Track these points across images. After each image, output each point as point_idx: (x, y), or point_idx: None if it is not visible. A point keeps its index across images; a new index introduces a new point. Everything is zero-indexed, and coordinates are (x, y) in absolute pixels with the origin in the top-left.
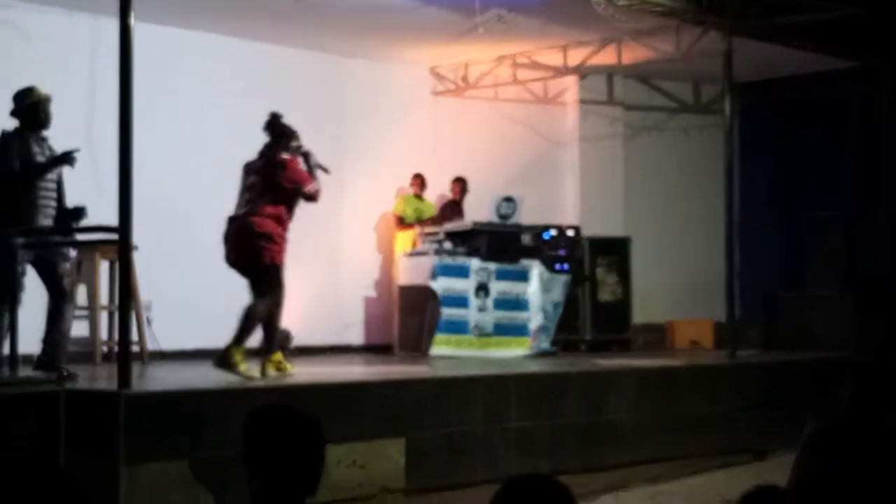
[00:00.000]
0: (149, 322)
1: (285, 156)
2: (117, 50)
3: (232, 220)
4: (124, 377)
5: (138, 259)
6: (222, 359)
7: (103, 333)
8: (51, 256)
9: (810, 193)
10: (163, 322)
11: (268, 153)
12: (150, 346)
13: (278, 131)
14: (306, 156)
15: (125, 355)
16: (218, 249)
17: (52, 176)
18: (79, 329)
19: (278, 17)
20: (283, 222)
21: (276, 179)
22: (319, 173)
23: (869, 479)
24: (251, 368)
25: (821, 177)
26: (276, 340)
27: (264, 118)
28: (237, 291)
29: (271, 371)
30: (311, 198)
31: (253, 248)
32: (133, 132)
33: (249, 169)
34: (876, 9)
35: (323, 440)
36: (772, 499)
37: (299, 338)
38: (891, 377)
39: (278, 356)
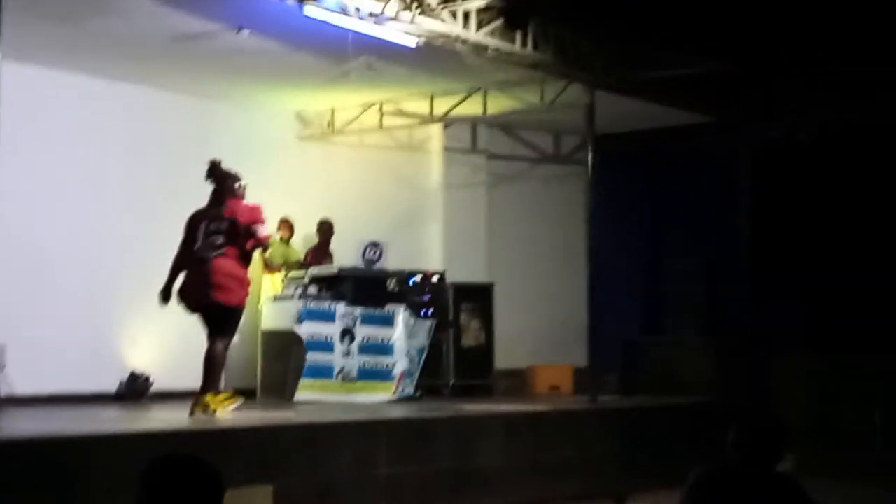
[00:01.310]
0: (2, 367)
1: (249, 204)
2: None
3: (200, 262)
4: None
5: None
6: (200, 407)
7: None
8: None
9: (672, 241)
10: (17, 367)
11: (222, 200)
12: (4, 391)
13: (222, 177)
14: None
15: None
16: (76, 290)
17: None
18: None
19: (146, 59)
20: (245, 267)
21: (239, 225)
22: None
23: None
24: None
25: (682, 226)
26: (216, 378)
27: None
28: (94, 336)
29: (199, 412)
30: (261, 242)
31: (227, 291)
32: None
33: (206, 216)
34: (735, 64)
35: (223, 493)
36: None
37: (160, 382)
38: (773, 425)
39: (210, 398)
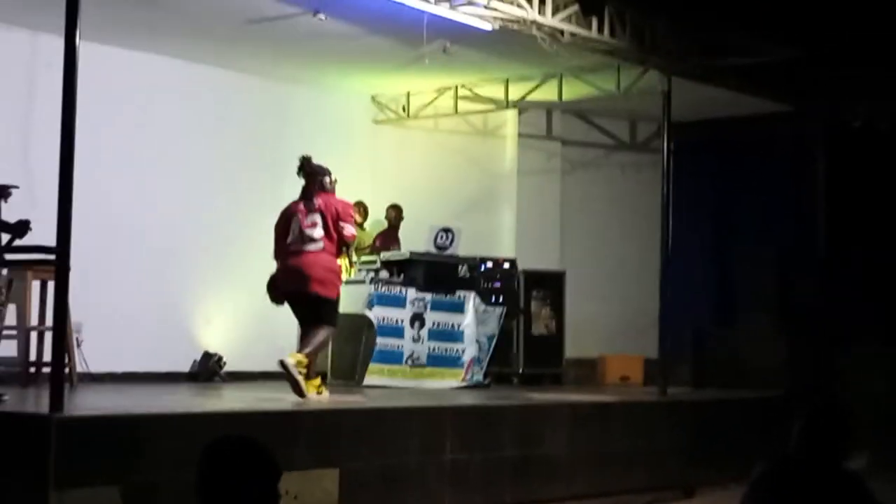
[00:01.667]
0: (79, 344)
1: (334, 197)
2: (59, 67)
3: (296, 255)
4: (56, 400)
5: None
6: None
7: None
8: None
9: (745, 231)
10: (93, 344)
11: (314, 195)
12: (80, 368)
13: (313, 173)
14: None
15: (58, 378)
16: (150, 270)
17: None
18: (6, 349)
19: (223, 41)
20: (336, 259)
21: (336, 221)
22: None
23: None
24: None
25: (755, 215)
26: (313, 364)
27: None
28: (168, 315)
29: (312, 393)
30: (346, 242)
31: (329, 286)
32: (75, 151)
33: (299, 210)
34: (812, 52)
35: (279, 477)
36: None
37: (232, 363)
38: (841, 417)
39: (317, 381)
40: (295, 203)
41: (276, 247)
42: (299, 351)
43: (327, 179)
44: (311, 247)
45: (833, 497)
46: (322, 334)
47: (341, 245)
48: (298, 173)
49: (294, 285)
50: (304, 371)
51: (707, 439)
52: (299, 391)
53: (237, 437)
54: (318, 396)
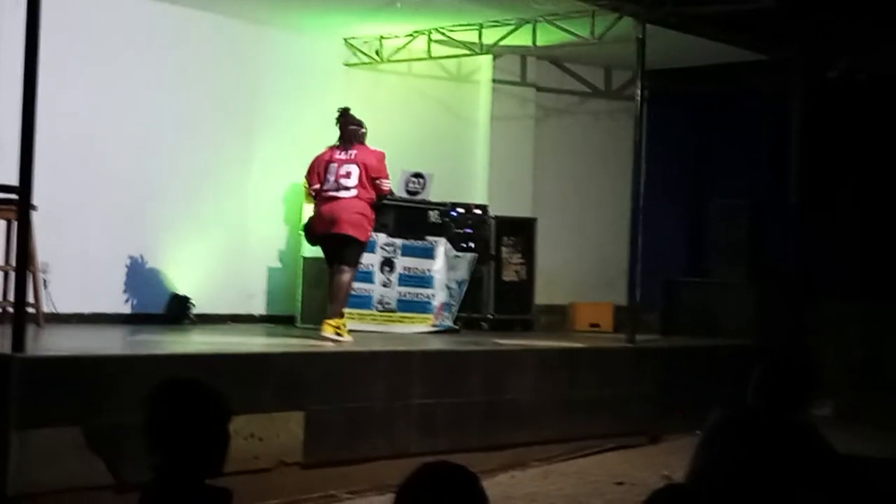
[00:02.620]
0: (45, 284)
1: (376, 150)
2: (23, 3)
3: (330, 200)
4: (18, 340)
5: (36, 218)
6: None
7: None
8: None
9: (718, 182)
10: (61, 285)
11: (351, 145)
12: (47, 308)
13: (353, 124)
14: None
15: (20, 318)
16: (120, 212)
17: None
18: None
19: None
20: (373, 209)
21: (371, 170)
22: None
23: (768, 470)
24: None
25: (729, 166)
26: (340, 304)
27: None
28: (138, 257)
29: (329, 332)
30: (384, 195)
31: (358, 227)
32: (38, 90)
33: (334, 159)
34: (787, 1)
35: (229, 418)
36: (679, 496)
37: (201, 306)
38: (801, 369)
39: (340, 321)
40: (331, 150)
41: (310, 190)
42: (330, 315)
43: (363, 131)
44: (345, 194)
45: (784, 446)
46: (344, 282)
47: (380, 198)
48: (337, 123)
49: (327, 227)
50: (342, 328)
51: (674, 387)
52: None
53: (184, 378)
54: (342, 338)
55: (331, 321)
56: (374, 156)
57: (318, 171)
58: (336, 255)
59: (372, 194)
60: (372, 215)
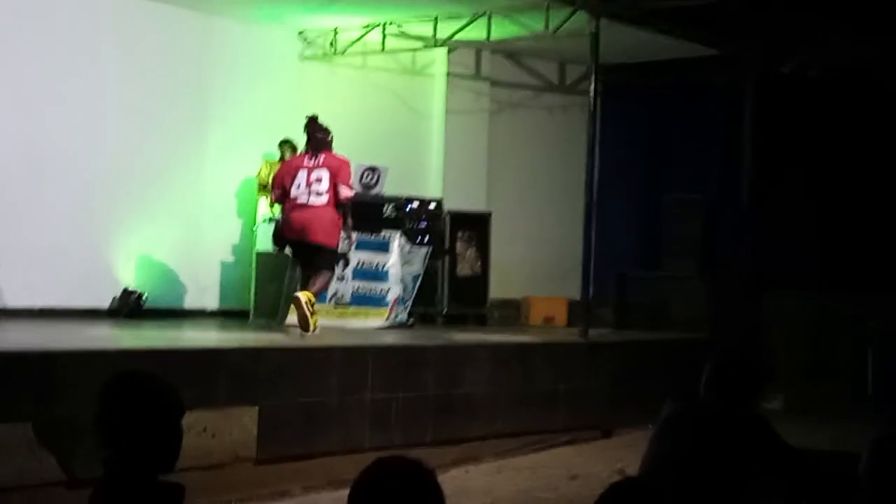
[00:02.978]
0: None
1: (342, 157)
2: None
3: (302, 207)
4: None
5: None
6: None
7: None
8: None
9: (671, 176)
10: (10, 279)
11: (318, 151)
12: None
13: (319, 131)
14: None
15: None
16: (70, 203)
17: None
18: None
19: None
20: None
21: (339, 178)
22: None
23: (719, 462)
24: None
25: (683, 160)
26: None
27: (128, 73)
28: (88, 251)
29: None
30: (342, 201)
31: (330, 235)
32: None
33: (303, 165)
34: None
35: (181, 413)
36: (634, 490)
37: (153, 300)
38: (752, 363)
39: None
40: (299, 157)
41: (279, 197)
42: (305, 289)
43: (330, 138)
44: (317, 200)
45: (735, 438)
46: (323, 276)
47: (339, 204)
48: (305, 130)
49: (299, 234)
50: (312, 308)
51: (627, 380)
52: (305, 326)
53: (136, 373)
54: (315, 333)
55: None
56: (340, 162)
57: (286, 178)
58: (309, 261)
59: (337, 198)
60: (339, 220)
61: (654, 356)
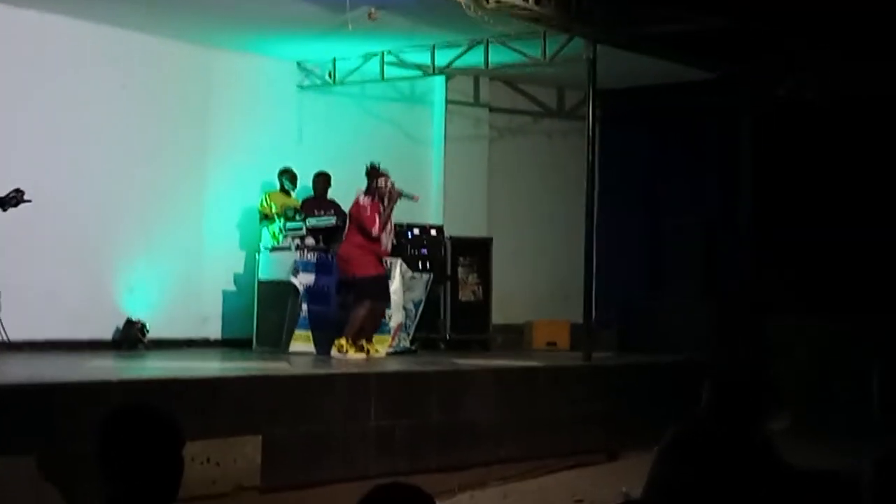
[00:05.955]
0: None
1: (361, 201)
2: None
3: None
4: None
5: None
6: (336, 347)
7: None
8: None
9: (671, 200)
10: (13, 313)
11: (357, 196)
12: None
13: (368, 178)
14: (390, 193)
15: None
16: (70, 238)
17: None
18: None
19: (145, 4)
20: (363, 247)
21: (353, 220)
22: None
23: (723, 485)
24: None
25: (682, 184)
26: (352, 330)
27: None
28: (90, 283)
29: (334, 351)
30: (371, 236)
31: (344, 268)
32: None
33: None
34: (738, 21)
35: (182, 444)
36: None
37: (156, 331)
38: (754, 385)
39: (344, 341)
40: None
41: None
42: (339, 335)
43: (374, 184)
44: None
45: (740, 460)
46: (353, 317)
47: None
48: (367, 174)
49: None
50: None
51: (631, 403)
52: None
53: (136, 404)
54: (357, 357)
55: (347, 343)
56: (354, 207)
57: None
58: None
59: (357, 235)
60: (352, 252)
61: (658, 379)
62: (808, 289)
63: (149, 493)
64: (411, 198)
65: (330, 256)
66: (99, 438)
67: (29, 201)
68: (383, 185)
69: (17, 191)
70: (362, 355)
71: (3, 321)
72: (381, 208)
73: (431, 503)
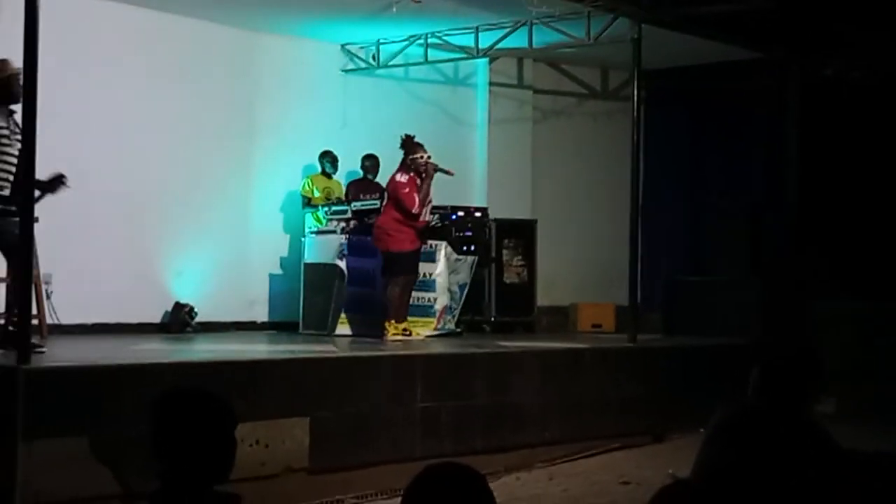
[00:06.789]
0: (48, 295)
1: (399, 178)
2: (23, 15)
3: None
4: (23, 352)
5: (38, 230)
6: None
7: None
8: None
9: (716, 181)
10: (64, 296)
11: (395, 171)
12: (50, 320)
13: (403, 151)
14: (426, 167)
15: (25, 330)
16: (119, 222)
17: (13, 150)
18: None
19: None
20: (400, 221)
21: (391, 196)
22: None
23: (772, 466)
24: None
25: (727, 164)
26: (395, 311)
27: (174, 91)
28: (139, 266)
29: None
30: (410, 213)
31: (380, 241)
32: (38, 102)
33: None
34: (785, 1)
35: (234, 425)
36: (686, 493)
37: (204, 314)
38: (803, 365)
39: (388, 324)
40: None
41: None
42: (384, 319)
43: (411, 158)
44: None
45: (790, 442)
46: (389, 296)
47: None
48: (401, 148)
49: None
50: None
51: (677, 385)
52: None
53: (190, 387)
54: (401, 337)
55: (392, 325)
56: (392, 184)
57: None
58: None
59: (395, 210)
60: (389, 224)
61: (704, 361)
62: (853, 270)
63: (202, 472)
64: (447, 172)
65: (371, 239)
66: (153, 419)
67: (69, 187)
68: (420, 159)
69: (60, 175)
70: (408, 337)
71: (53, 304)
72: (418, 184)
73: (483, 482)
